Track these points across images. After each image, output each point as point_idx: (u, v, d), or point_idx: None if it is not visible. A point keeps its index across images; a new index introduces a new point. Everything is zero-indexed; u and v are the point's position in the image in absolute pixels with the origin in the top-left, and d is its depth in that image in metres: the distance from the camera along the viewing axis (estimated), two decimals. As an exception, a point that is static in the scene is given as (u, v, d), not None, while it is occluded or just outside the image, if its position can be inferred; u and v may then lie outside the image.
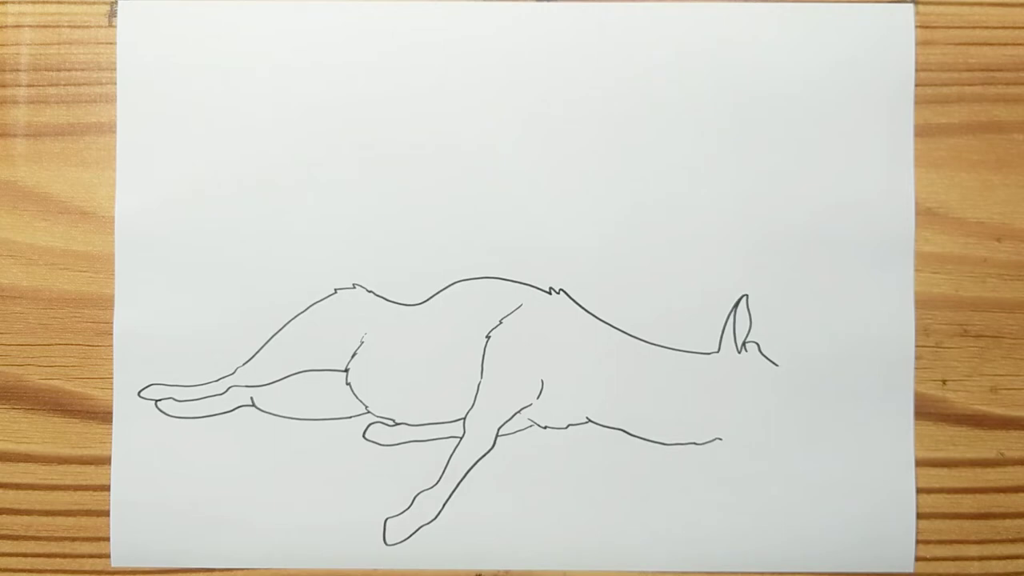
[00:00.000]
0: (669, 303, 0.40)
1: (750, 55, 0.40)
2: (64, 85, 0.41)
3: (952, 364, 0.41)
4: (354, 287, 0.40)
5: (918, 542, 0.40)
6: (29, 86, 0.41)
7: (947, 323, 0.41)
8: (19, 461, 0.41)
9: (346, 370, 0.40)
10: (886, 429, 0.40)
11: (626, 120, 0.40)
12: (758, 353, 0.40)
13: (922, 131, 0.41)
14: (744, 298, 0.40)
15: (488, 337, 0.40)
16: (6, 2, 0.41)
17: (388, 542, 0.40)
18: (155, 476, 0.40)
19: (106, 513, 0.41)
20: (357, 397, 0.40)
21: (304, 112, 0.40)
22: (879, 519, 0.40)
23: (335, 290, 0.40)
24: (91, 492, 0.41)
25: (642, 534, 0.40)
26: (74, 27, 0.41)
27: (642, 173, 0.40)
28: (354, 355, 0.40)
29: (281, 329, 0.40)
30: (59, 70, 0.41)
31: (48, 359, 0.41)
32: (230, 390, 0.40)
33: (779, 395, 0.40)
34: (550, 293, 0.40)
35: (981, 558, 0.41)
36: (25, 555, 0.41)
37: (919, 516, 0.40)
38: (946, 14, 0.41)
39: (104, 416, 0.41)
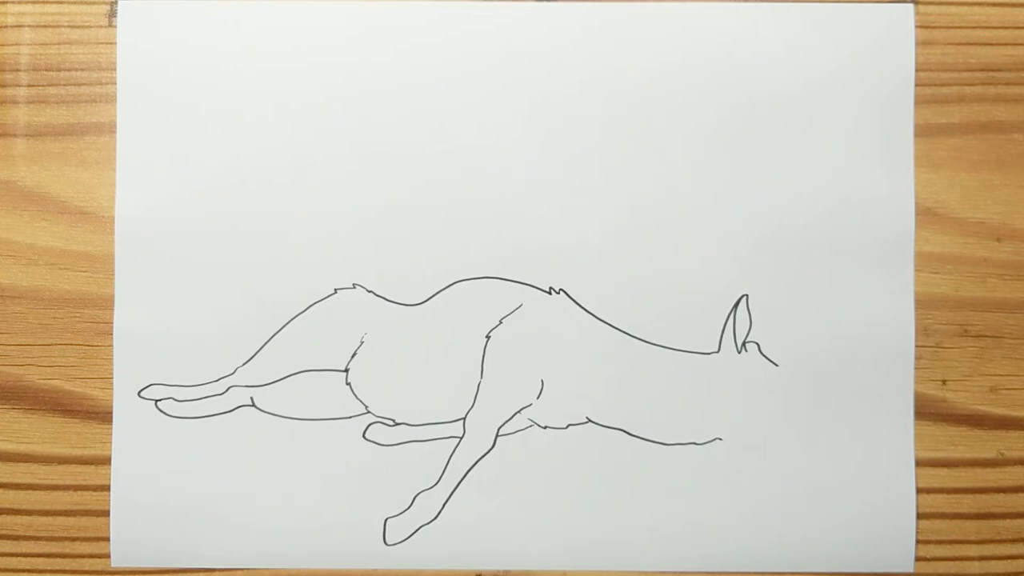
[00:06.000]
0: (669, 303, 0.40)
1: (750, 55, 0.40)
2: (64, 85, 0.41)
3: (952, 364, 0.41)
4: (354, 287, 0.40)
5: (918, 542, 0.40)
6: (29, 86, 0.41)
7: (947, 323, 0.41)
8: (19, 461, 0.41)
9: (346, 370, 0.40)
10: (886, 429, 0.40)
11: (626, 120, 0.40)
12: (758, 353, 0.40)
13: (922, 131, 0.41)
14: (744, 298, 0.40)
15: (488, 337, 0.40)
16: (6, 2, 0.41)
17: (388, 542, 0.40)
18: (155, 476, 0.40)
19: (106, 513, 0.40)
20: (357, 397, 0.40)
21: (304, 112, 0.40)
22: (879, 519, 0.40)
23: (335, 290, 0.40)
24: (91, 492, 0.41)
25: (642, 534, 0.40)
26: (74, 27, 0.41)
27: (642, 173, 0.40)
28: (354, 355, 0.40)
29: (281, 329, 0.40)
30: (59, 70, 0.41)
31: (48, 359, 0.41)
32: (230, 390, 0.40)
33: (779, 395, 0.40)
34: (550, 293, 0.40)
35: (981, 558, 0.41)
36: (25, 555, 0.41)
37: (919, 516, 0.40)
38: (946, 14, 0.41)
39: (104, 416, 0.41)
